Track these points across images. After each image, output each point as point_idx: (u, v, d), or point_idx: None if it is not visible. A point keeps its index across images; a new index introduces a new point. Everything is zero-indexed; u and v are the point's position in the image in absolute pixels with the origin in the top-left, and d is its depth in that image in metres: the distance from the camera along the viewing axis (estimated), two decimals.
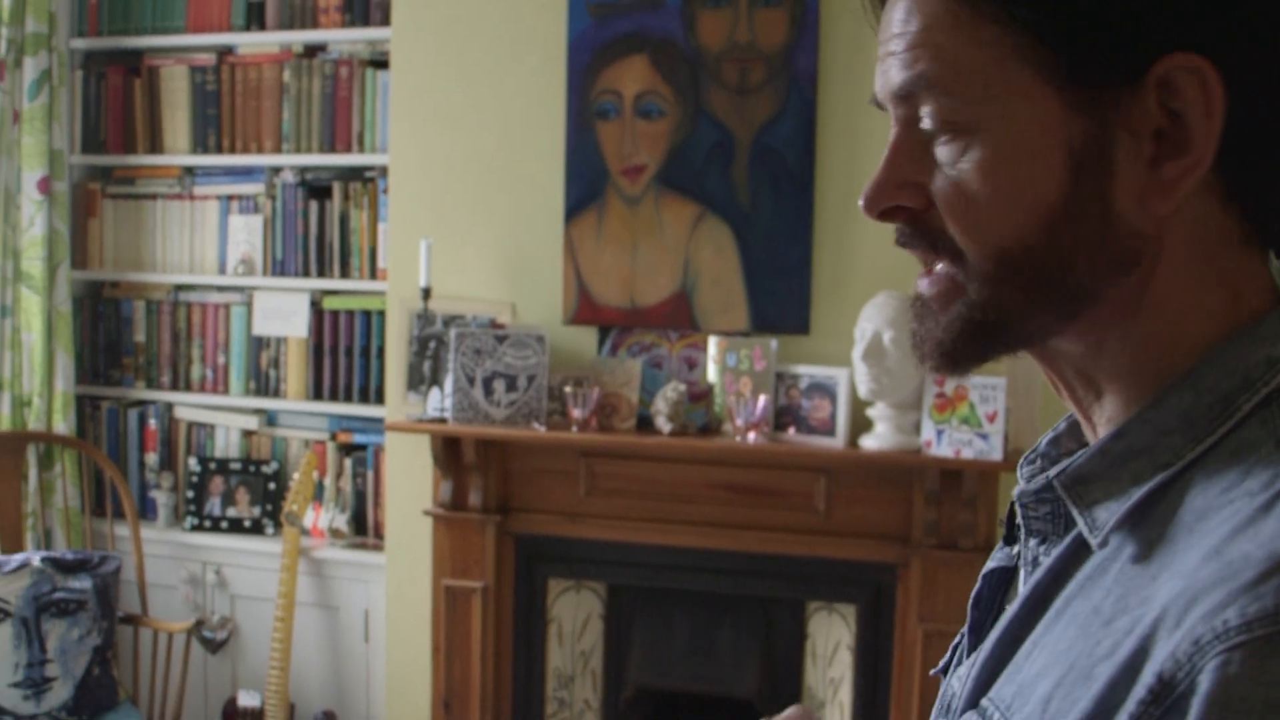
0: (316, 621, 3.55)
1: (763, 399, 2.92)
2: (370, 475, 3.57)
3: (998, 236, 0.65)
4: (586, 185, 3.14)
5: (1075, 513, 0.66)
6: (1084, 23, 0.63)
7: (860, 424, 2.93)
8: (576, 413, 3.01)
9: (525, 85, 3.20)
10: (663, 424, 2.99)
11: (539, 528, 3.18)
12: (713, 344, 3.06)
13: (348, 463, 3.59)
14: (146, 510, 3.80)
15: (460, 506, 3.17)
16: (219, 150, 3.70)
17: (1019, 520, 0.76)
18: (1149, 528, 0.62)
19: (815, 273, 3.02)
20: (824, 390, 2.94)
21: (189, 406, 3.78)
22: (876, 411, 2.87)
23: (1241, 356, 0.64)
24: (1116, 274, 0.66)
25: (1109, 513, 0.64)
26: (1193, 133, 0.63)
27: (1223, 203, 0.65)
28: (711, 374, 3.06)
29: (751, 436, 2.91)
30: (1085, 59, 0.63)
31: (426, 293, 3.14)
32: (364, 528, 3.59)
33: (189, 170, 3.76)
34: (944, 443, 2.79)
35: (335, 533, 3.54)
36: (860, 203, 0.69)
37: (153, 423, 3.81)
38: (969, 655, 0.76)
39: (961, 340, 0.68)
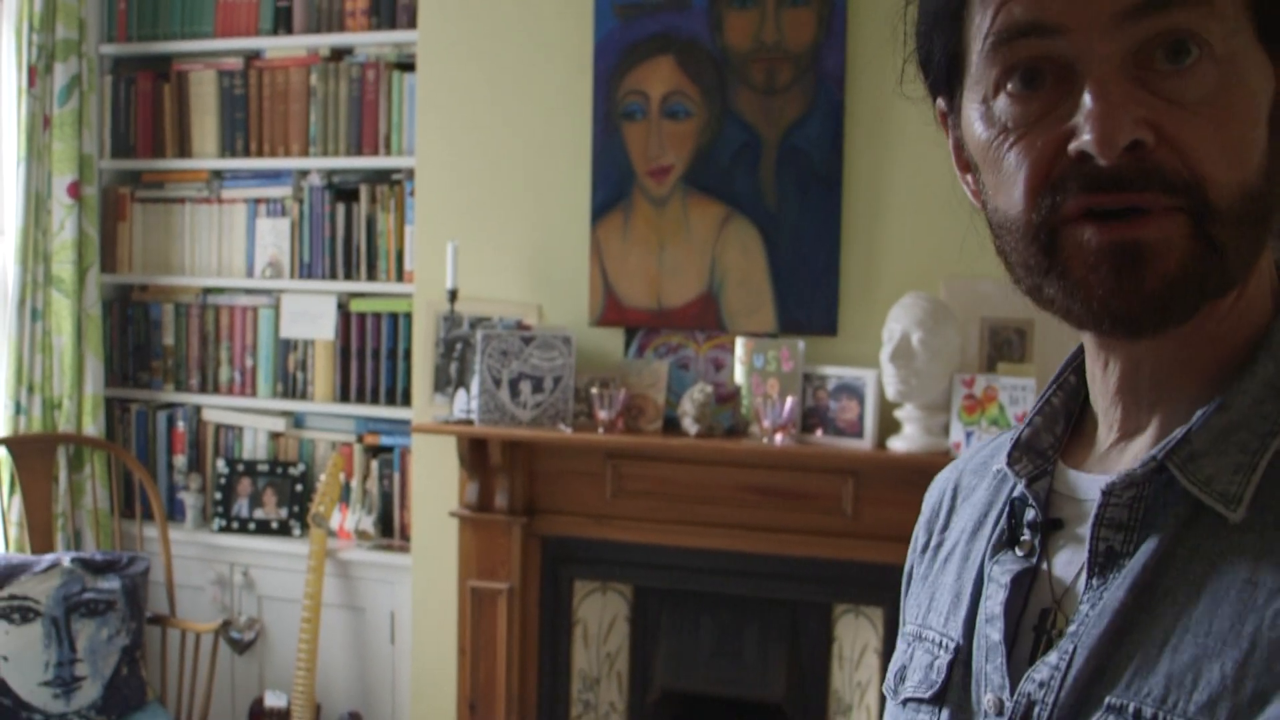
0: (343, 622, 3.56)
1: (790, 400, 2.91)
2: (397, 477, 3.58)
3: (1245, 172, 0.64)
4: (613, 186, 3.14)
5: (1195, 491, 0.65)
6: None
7: (888, 425, 2.91)
8: (603, 414, 3.00)
9: (551, 86, 3.20)
10: (689, 425, 2.98)
11: (565, 529, 3.17)
12: (740, 345, 3.05)
13: (374, 464, 3.60)
14: (175, 512, 3.83)
15: (486, 508, 3.17)
16: (247, 154, 3.72)
17: (1029, 516, 0.75)
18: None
19: (843, 273, 3.00)
20: (852, 391, 2.93)
21: (217, 409, 3.81)
22: (905, 413, 2.85)
23: None
24: (1269, 239, 0.67)
25: (1235, 485, 0.64)
26: None
27: None
28: (739, 375, 3.05)
29: (779, 438, 2.90)
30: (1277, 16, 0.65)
31: (453, 295, 3.14)
32: (390, 529, 3.60)
33: (217, 174, 3.78)
34: (973, 444, 2.76)
35: (362, 534, 3.55)
36: (1090, 139, 0.62)
37: (181, 425, 3.83)
38: (1009, 664, 0.70)
39: (1187, 287, 0.63)
